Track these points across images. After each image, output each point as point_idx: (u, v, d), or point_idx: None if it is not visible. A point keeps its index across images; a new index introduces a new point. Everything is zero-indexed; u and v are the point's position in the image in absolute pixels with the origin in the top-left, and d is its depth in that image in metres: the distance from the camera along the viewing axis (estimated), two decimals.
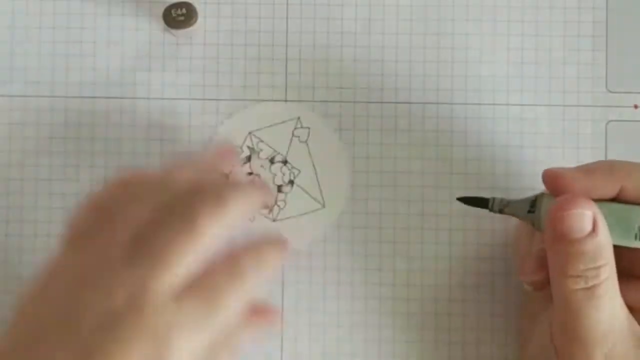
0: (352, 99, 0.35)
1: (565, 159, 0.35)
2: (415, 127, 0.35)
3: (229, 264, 0.27)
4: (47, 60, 0.35)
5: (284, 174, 0.35)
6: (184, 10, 0.32)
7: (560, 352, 0.25)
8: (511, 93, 0.35)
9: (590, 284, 0.24)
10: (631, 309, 0.25)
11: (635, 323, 0.25)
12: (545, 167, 0.35)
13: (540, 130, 0.35)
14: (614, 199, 0.25)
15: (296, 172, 0.35)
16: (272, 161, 0.35)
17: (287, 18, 0.35)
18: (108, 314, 0.25)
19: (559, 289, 0.25)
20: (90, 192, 0.31)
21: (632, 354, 0.24)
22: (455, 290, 0.34)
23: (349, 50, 0.35)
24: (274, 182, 0.35)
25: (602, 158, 0.35)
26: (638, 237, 0.24)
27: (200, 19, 0.34)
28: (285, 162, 0.35)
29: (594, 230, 0.24)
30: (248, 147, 0.35)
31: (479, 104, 0.35)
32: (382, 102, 0.35)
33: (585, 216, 0.24)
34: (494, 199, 0.28)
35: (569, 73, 0.35)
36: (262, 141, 0.35)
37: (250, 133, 0.35)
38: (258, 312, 0.30)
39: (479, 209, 0.29)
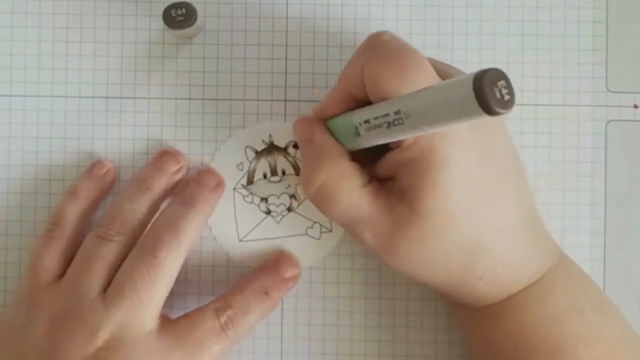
0: None
1: (565, 159, 0.35)
2: None
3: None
4: (47, 60, 0.35)
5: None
6: (183, 10, 0.32)
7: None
8: None
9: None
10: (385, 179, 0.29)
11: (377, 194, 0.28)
12: (546, 167, 0.35)
13: (540, 130, 0.35)
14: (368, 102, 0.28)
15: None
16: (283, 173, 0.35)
17: (287, 18, 0.35)
18: (91, 356, 0.28)
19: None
20: (53, 230, 0.33)
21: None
22: None
23: (349, 51, 0.35)
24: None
25: (602, 158, 0.35)
26: (358, 133, 0.28)
27: (200, 19, 0.34)
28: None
29: (312, 136, 0.30)
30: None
31: None
32: None
33: (303, 127, 0.31)
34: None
35: (569, 73, 0.35)
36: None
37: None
38: None
39: None
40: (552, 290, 0.29)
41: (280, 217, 0.35)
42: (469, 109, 0.21)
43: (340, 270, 0.35)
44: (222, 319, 0.30)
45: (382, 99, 0.27)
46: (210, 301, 0.31)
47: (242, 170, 0.35)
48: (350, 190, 0.28)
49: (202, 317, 0.31)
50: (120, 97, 0.35)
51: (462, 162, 0.26)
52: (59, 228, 0.32)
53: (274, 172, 0.35)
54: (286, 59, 0.35)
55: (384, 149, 0.28)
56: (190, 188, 0.33)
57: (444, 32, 0.35)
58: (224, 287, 0.34)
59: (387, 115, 0.25)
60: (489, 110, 0.20)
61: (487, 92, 0.20)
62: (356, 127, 0.27)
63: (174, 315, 0.31)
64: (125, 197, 0.32)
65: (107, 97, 0.35)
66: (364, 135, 0.27)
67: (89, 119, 0.35)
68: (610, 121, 0.35)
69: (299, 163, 0.35)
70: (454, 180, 0.26)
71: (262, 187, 0.35)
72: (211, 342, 0.30)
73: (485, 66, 0.34)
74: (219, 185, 0.34)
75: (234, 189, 0.35)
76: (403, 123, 0.24)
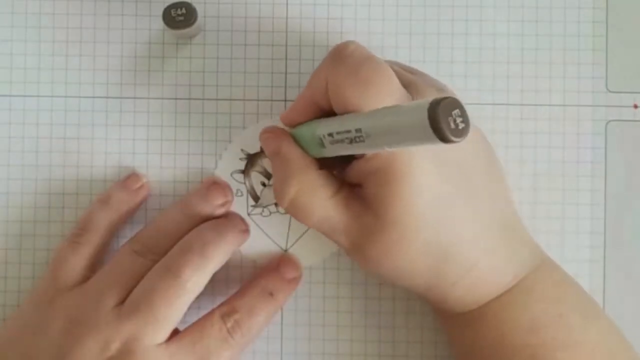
0: None
1: (565, 159, 0.35)
2: None
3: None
4: (47, 60, 0.35)
5: None
6: (183, 10, 0.32)
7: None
8: (511, 93, 0.35)
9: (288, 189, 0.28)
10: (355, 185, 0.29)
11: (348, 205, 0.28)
12: (546, 167, 0.35)
13: (540, 130, 0.35)
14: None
15: None
16: None
17: (287, 18, 0.35)
18: None
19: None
20: (76, 239, 0.33)
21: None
22: None
23: None
24: None
25: (602, 158, 0.35)
26: (323, 145, 0.27)
27: (200, 19, 0.34)
28: None
29: (279, 149, 0.29)
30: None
31: (479, 104, 0.35)
32: None
33: (269, 139, 0.30)
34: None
35: (569, 73, 0.35)
36: None
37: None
38: None
39: None
40: (531, 296, 0.29)
41: None
42: (425, 136, 0.21)
43: (340, 271, 0.35)
44: (229, 324, 0.30)
45: (346, 110, 0.27)
46: (215, 307, 0.31)
47: (242, 195, 0.35)
48: (321, 201, 0.28)
49: (209, 324, 0.30)
50: (120, 97, 0.35)
51: (425, 171, 0.26)
52: (87, 234, 0.32)
53: (268, 176, 0.35)
54: (286, 59, 0.35)
55: (352, 155, 0.28)
56: (224, 219, 0.33)
57: (444, 32, 0.35)
58: (238, 287, 0.33)
59: (349, 131, 0.25)
60: (443, 139, 0.21)
61: (442, 121, 0.21)
62: (320, 139, 0.28)
63: (187, 315, 0.31)
64: (168, 219, 0.32)
65: (107, 97, 0.35)
66: (328, 147, 0.27)
67: (89, 119, 0.35)
68: (610, 121, 0.35)
69: None
70: (418, 190, 0.26)
71: (269, 194, 0.35)
72: (220, 349, 0.30)
73: (486, 66, 0.35)
74: (246, 231, 0.34)
75: (249, 215, 0.35)
76: (364, 141, 0.24)
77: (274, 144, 0.30)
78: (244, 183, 0.35)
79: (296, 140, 0.30)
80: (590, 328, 0.29)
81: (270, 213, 0.35)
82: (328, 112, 0.28)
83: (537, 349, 0.28)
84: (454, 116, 0.21)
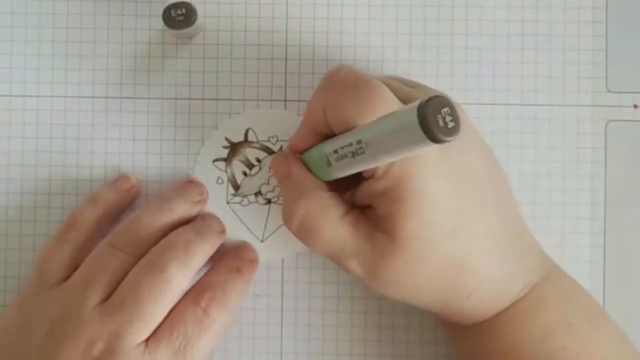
0: None
1: (565, 159, 0.35)
2: None
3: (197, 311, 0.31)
4: (47, 60, 0.35)
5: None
6: (183, 10, 0.32)
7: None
8: (511, 93, 0.35)
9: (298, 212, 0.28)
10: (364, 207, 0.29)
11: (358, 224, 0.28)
12: (546, 167, 0.35)
13: (540, 130, 0.35)
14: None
15: None
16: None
17: (286, 18, 0.35)
18: None
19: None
20: (63, 234, 0.33)
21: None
22: None
23: (349, 50, 0.35)
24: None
25: (602, 158, 0.35)
26: (330, 163, 0.28)
27: (200, 19, 0.34)
28: None
29: (289, 172, 0.30)
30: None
31: (479, 104, 0.35)
32: None
33: (280, 162, 0.31)
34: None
35: (569, 73, 0.35)
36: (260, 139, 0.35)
37: (249, 129, 0.35)
38: None
39: None
40: (541, 305, 0.29)
41: (281, 199, 0.35)
42: (416, 138, 0.21)
43: (340, 270, 0.35)
44: (203, 303, 0.31)
45: (347, 130, 0.27)
46: (185, 293, 0.31)
47: (222, 183, 0.35)
48: (331, 221, 0.28)
49: (183, 308, 0.30)
50: (120, 97, 0.35)
51: (435, 187, 0.26)
52: (72, 231, 0.32)
53: (250, 166, 0.35)
54: (286, 59, 0.35)
55: (361, 177, 0.28)
56: (201, 221, 0.33)
57: (443, 33, 0.35)
58: None
59: (350, 144, 0.25)
60: (433, 139, 0.21)
61: (430, 121, 0.21)
62: (327, 157, 0.28)
63: None
64: (145, 212, 0.32)
65: (107, 97, 0.35)
66: (335, 165, 0.27)
67: (89, 119, 0.35)
68: (610, 121, 0.35)
69: (264, 143, 0.35)
70: (429, 207, 0.26)
71: (249, 184, 0.35)
72: (198, 332, 0.30)
73: (485, 66, 0.35)
74: (223, 232, 0.34)
75: (228, 203, 0.35)
76: (364, 152, 0.25)
77: (285, 167, 0.30)
78: (226, 171, 0.35)
79: (306, 166, 0.30)
80: (599, 337, 0.29)
81: (250, 203, 0.35)
82: (332, 136, 0.28)
83: (548, 357, 0.28)
84: (443, 114, 0.21)
